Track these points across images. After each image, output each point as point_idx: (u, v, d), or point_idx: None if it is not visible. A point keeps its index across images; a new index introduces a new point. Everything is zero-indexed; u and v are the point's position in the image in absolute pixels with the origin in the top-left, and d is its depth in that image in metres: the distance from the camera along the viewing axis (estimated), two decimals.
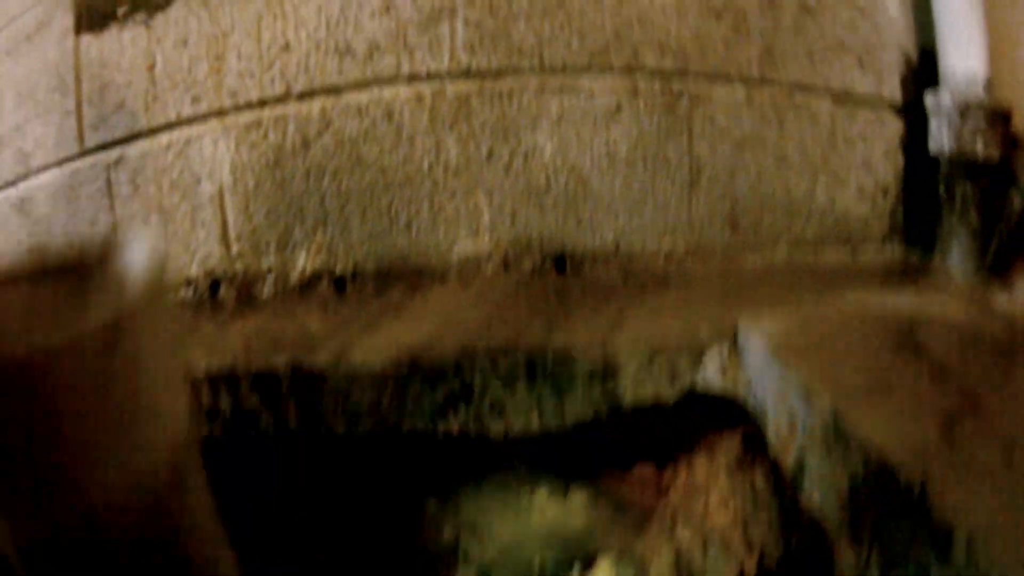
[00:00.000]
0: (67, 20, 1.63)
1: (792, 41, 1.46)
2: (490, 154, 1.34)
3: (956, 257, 1.30)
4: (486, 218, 1.35)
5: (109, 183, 1.53)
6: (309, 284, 1.42)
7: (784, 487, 1.04)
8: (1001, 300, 1.19)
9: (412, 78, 1.33)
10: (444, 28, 1.33)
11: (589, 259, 1.39)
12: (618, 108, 1.36)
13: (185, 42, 1.46)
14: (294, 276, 1.41)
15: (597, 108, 1.36)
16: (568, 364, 1.16)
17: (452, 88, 1.33)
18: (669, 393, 1.18)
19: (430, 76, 1.33)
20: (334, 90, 1.35)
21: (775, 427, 1.02)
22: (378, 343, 1.18)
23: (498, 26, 1.34)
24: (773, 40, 1.44)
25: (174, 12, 1.47)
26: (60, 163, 1.64)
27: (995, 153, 1.23)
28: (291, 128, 1.36)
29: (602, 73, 1.35)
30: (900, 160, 1.46)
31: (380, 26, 1.34)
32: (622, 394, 1.16)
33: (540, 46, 1.35)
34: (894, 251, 1.46)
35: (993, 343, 1.01)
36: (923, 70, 1.50)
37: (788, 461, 0.97)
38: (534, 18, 1.35)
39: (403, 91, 1.34)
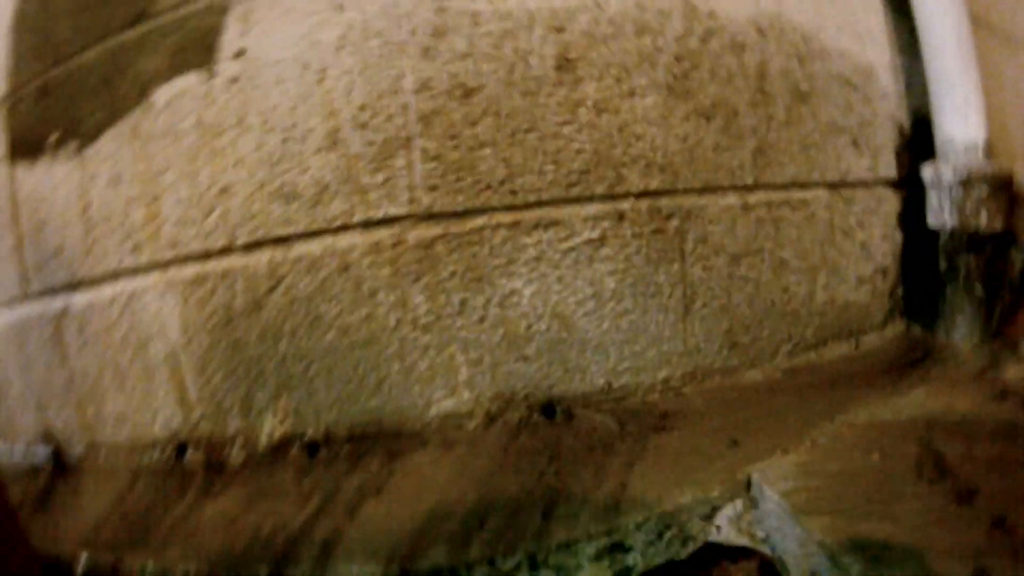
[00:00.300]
0: (1, 145, 1.46)
1: (786, 134, 1.27)
2: (462, 305, 1.16)
3: (961, 330, 1.23)
4: (463, 374, 1.19)
5: (59, 332, 1.39)
6: (279, 449, 1.28)
7: None
8: (1012, 371, 1.14)
9: (368, 224, 1.15)
10: (400, 162, 1.14)
11: (580, 403, 1.22)
12: (602, 240, 1.17)
13: (119, 180, 1.29)
14: (262, 441, 1.27)
15: (579, 242, 1.17)
16: (573, 551, 1.03)
17: (414, 234, 1.15)
18: (682, 554, 1.07)
19: (387, 221, 1.15)
20: (282, 241, 1.17)
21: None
22: (363, 536, 1.05)
23: (461, 157, 1.15)
24: (766, 136, 1.24)
25: (105, 144, 1.30)
26: (9, 303, 1.50)
27: (999, 224, 1.18)
28: (239, 285, 1.20)
29: (582, 202, 1.16)
30: (898, 237, 1.36)
31: (327, 163, 1.15)
32: (632, 564, 1.05)
33: (510, 177, 1.15)
34: (895, 330, 1.35)
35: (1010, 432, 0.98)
36: (917, 139, 1.36)
37: None
38: (501, 144, 1.15)
39: (359, 239, 1.16)
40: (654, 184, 1.18)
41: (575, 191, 1.16)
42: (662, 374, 1.24)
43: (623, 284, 1.18)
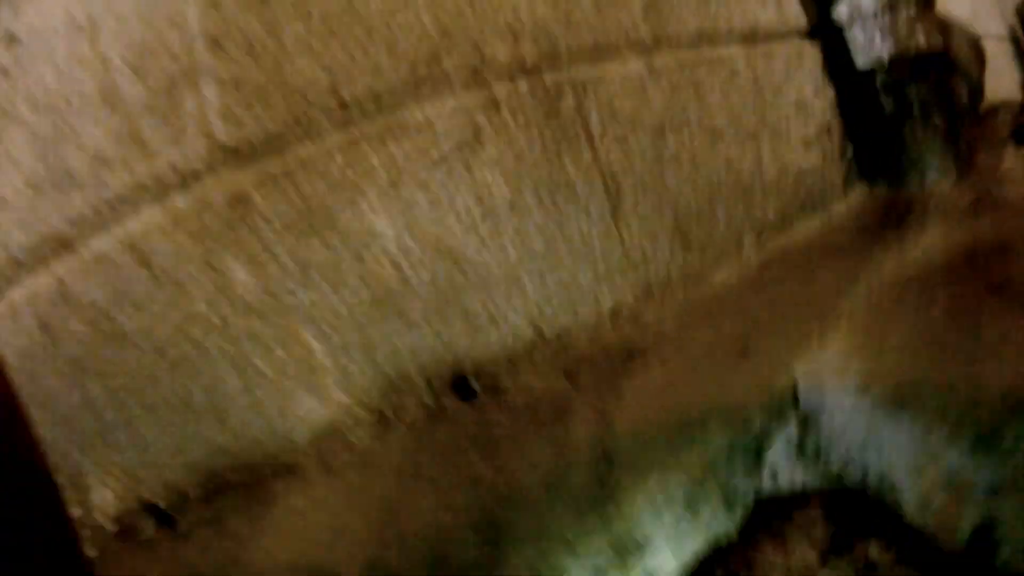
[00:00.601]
0: None
1: None
2: (303, 269, 0.82)
3: (934, 169, 1.10)
4: (329, 366, 0.82)
5: None
6: (127, 532, 0.93)
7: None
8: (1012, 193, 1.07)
9: (162, 192, 0.84)
10: (189, 103, 0.85)
11: (505, 368, 0.84)
12: (477, 138, 0.82)
13: None
14: (105, 518, 0.93)
15: (448, 149, 0.82)
16: None
17: (221, 189, 0.83)
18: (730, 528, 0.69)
19: (184, 179, 0.84)
20: (65, 245, 0.88)
21: (917, 493, 0.66)
22: None
23: (268, 74, 0.85)
24: None
25: None
26: None
27: (938, 41, 1.09)
28: (26, 313, 0.90)
29: (439, 96, 0.83)
30: (831, 92, 1.13)
31: (105, 128, 0.87)
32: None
33: (334, 83, 0.84)
34: (860, 194, 1.12)
35: None
36: None
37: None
38: (316, 43, 0.85)
39: (155, 217, 0.83)
40: (530, 58, 0.84)
41: (426, 86, 0.83)
42: (608, 301, 0.84)
43: (521, 190, 0.82)
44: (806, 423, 0.75)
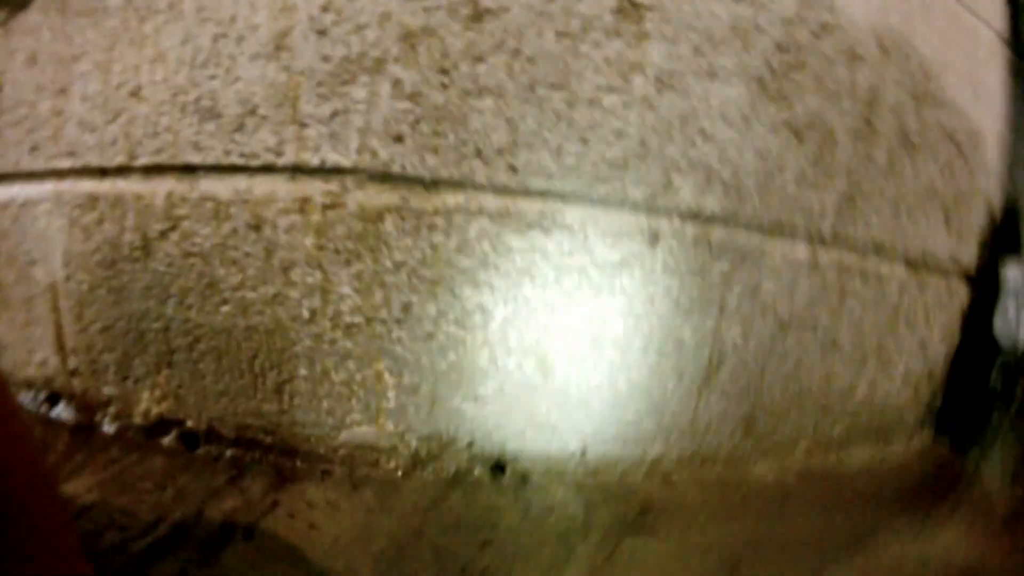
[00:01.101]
0: None
1: (882, 184, 0.88)
2: (405, 311, 0.80)
3: (996, 463, 1.06)
4: (391, 400, 0.83)
5: None
6: (155, 431, 0.97)
7: None
8: None
9: (297, 171, 0.79)
10: (360, 92, 0.78)
11: (540, 468, 0.86)
12: (622, 265, 0.78)
13: (34, 60, 0.98)
14: (137, 417, 0.97)
15: (587, 262, 0.78)
16: None
17: (357, 196, 0.78)
18: None
19: (325, 171, 0.79)
20: (187, 170, 0.83)
21: None
22: None
23: (449, 103, 0.76)
24: (861, 180, 0.84)
25: (33, 15, 0.98)
26: None
27: None
28: (130, 218, 0.86)
29: (608, 206, 0.77)
30: (956, 339, 1.09)
31: (263, 77, 0.80)
32: None
33: (513, 147, 0.76)
34: (923, 440, 1.10)
35: None
36: (1004, 230, 1.09)
37: None
38: (510, 96, 0.75)
39: (281, 189, 0.79)
40: (711, 206, 0.78)
41: (602, 189, 0.76)
42: (654, 451, 0.85)
43: (635, 331, 0.79)
44: None
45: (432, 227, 0.76)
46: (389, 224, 0.77)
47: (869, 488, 0.97)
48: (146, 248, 0.85)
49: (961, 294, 1.05)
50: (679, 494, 0.87)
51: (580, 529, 0.84)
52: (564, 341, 0.79)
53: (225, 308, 0.83)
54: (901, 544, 0.87)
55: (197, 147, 0.81)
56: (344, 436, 0.86)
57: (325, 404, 0.84)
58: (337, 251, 0.77)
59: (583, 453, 0.84)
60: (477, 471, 0.85)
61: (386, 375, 0.81)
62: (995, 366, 1.05)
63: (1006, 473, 1.06)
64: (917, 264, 0.95)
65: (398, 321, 0.79)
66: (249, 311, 0.81)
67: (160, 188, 0.83)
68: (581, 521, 0.85)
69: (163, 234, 0.83)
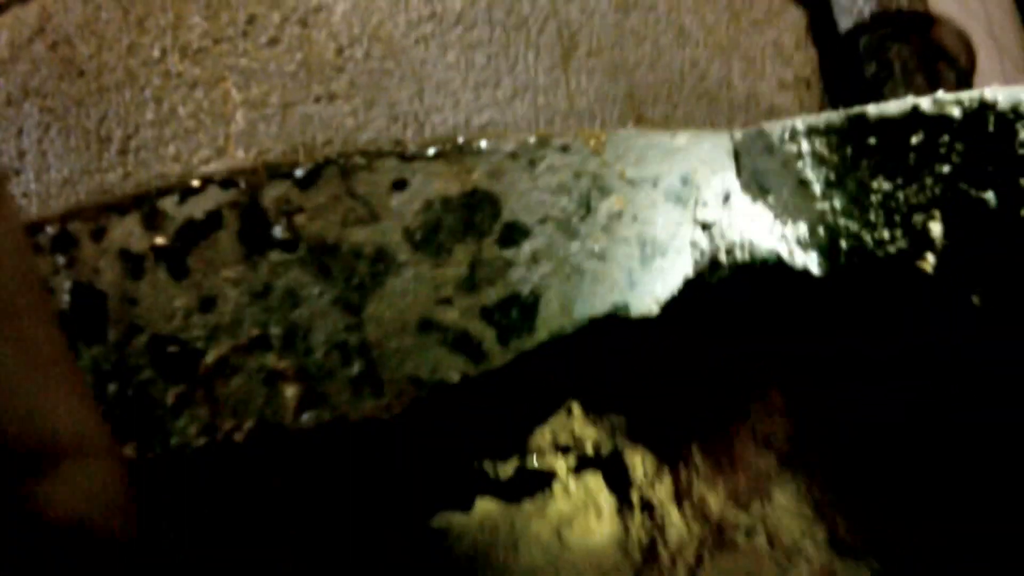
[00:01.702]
0: None
1: None
2: (250, 23, 0.78)
3: None
4: (239, 122, 0.74)
5: None
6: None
7: None
8: None
9: None
10: None
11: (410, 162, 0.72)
12: None
13: None
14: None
15: None
16: None
17: None
18: None
19: None
20: None
21: None
22: None
23: None
24: None
25: None
26: None
27: (921, 3, 1.04)
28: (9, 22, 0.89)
29: None
30: (812, 53, 1.07)
31: None
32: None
33: None
34: None
35: None
36: None
37: None
38: None
39: None
40: None
41: None
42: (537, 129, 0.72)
43: (474, 6, 0.75)
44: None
45: None
46: None
47: None
48: (14, 52, 0.84)
49: (790, 9, 1.02)
50: None
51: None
52: (407, 23, 0.73)
53: (80, 81, 0.79)
54: None
55: None
56: (191, 181, 0.73)
57: (170, 149, 0.74)
58: None
59: (454, 140, 0.71)
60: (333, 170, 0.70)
61: (234, 93, 0.73)
62: (862, 55, 0.99)
63: None
64: None
65: (244, 34, 0.75)
66: (103, 72, 0.77)
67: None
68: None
69: (34, 34, 0.84)
